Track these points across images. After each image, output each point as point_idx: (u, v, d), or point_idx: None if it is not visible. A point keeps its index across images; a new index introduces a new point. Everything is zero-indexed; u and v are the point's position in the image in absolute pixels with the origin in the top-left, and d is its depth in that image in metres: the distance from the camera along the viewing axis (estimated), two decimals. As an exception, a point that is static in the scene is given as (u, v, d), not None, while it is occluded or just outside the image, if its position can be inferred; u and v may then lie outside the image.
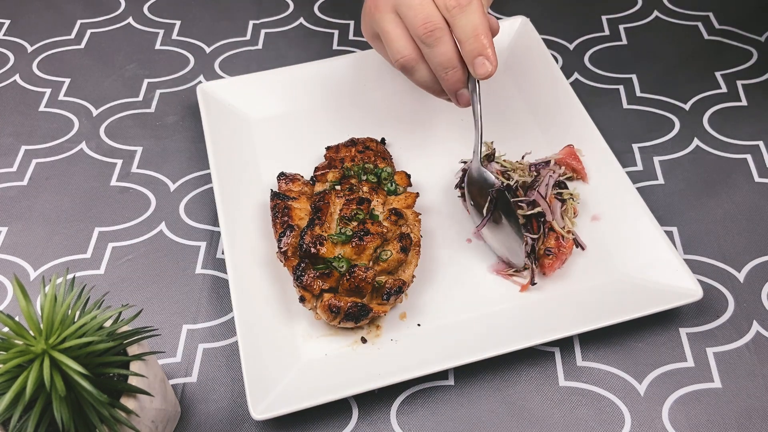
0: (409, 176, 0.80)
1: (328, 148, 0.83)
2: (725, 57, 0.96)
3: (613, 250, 0.74)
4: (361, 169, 0.79)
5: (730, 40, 0.98)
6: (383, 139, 0.86)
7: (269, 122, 0.90)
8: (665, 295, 0.69)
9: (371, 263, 0.70)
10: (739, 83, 0.93)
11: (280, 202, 0.75)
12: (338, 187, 0.77)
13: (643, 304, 0.68)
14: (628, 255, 0.73)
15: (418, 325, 0.71)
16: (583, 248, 0.75)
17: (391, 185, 0.78)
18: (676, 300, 0.68)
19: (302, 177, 0.80)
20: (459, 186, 0.80)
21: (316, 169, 0.81)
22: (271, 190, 0.78)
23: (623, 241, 0.74)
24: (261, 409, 0.62)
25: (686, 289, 0.69)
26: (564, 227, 0.74)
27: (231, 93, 0.91)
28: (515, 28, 0.96)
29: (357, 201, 0.73)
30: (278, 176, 0.79)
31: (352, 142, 0.83)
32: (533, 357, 0.69)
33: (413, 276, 0.72)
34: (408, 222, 0.74)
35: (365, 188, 0.76)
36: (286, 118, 0.90)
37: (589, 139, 0.82)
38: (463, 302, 0.72)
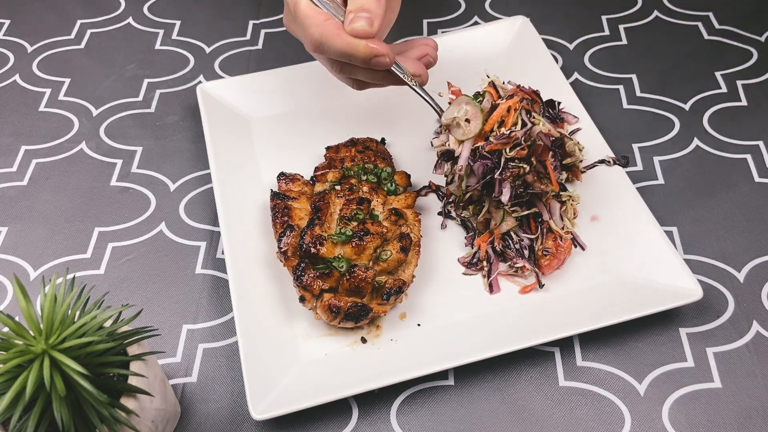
0: (409, 176, 0.80)
1: (328, 148, 0.83)
2: (725, 57, 0.96)
3: (613, 250, 0.74)
4: (361, 169, 0.79)
5: (730, 40, 0.98)
6: (383, 139, 0.86)
7: (269, 122, 0.90)
8: (665, 295, 0.69)
9: (371, 263, 0.70)
10: (739, 83, 0.93)
11: (280, 202, 0.75)
12: (338, 187, 0.77)
13: (643, 304, 0.68)
14: (628, 255, 0.73)
15: (418, 325, 0.71)
16: (583, 248, 0.75)
17: (391, 185, 0.78)
18: (676, 300, 0.68)
19: (302, 177, 0.80)
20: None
21: (316, 169, 0.81)
22: (271, 190, 0.78)
23: (623, 241, 0.74)
24: (261, 409, 0.62)
25: (686, 289, 0.69)
26: (563, 228, 0.74)
27: (231, 93, 0.91)
28: (515, 28, 0.96)
29: (357, 201, 0.73)
30: (278, 176, 0.79)
31: (352, 142, 0.83)
32: (533, 357, 0.69)
33: (413, 276, 0.72)
34: (408, 222, 0.74)
35: (365, 188, 0.76)
36: (286, 118, 0.90)
37: (589, 139, 0.82)
38: (463, 302, 0.72)
